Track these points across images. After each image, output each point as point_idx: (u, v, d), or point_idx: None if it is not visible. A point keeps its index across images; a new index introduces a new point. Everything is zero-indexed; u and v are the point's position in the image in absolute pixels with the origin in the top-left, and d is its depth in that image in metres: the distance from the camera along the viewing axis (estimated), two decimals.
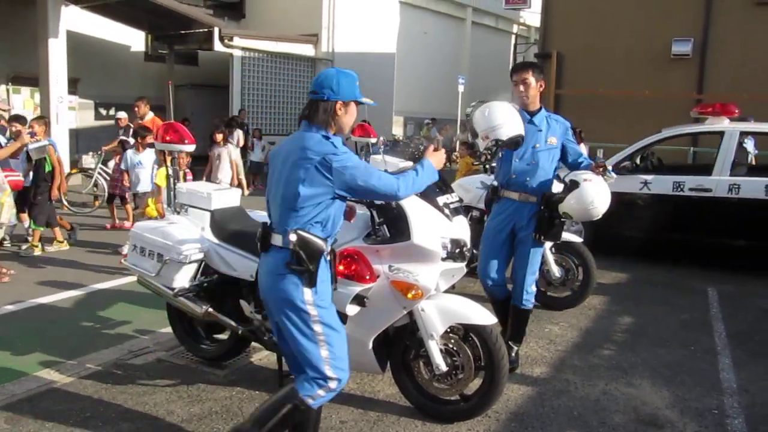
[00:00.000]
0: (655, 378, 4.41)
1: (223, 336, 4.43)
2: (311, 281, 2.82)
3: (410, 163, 4.58)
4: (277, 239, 2.85)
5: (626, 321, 5.69)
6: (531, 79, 4.31)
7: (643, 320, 5.70)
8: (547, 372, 4.45)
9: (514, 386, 4.12)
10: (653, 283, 6.99)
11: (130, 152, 8.39)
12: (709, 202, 7.29)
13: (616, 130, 12.39)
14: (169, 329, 4.67)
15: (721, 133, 7.54)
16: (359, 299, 3.33)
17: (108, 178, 10.71)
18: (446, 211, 3.47)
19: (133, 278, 4.57)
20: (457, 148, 12.86)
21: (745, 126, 7.65)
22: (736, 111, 7.74)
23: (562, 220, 4.30)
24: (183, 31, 17.16)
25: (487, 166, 4.72)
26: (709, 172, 7.39)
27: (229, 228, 4.09)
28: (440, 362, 3.46)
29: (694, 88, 13.25)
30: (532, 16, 25.47)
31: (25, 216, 7.86)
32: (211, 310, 4.00)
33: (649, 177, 7.64)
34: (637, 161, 7.90)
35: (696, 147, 12.12)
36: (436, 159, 3.15)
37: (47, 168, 7.73)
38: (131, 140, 9.52)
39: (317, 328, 2.85)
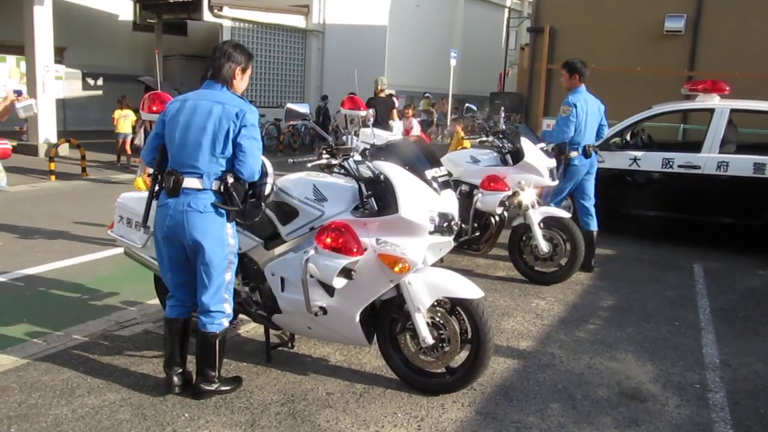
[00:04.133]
0: (640, 353, 4.46)
1: None
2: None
3: (399, 136, 4.56)
4: None
5: (612, 296, 5.73)
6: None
7: (629, 296, 5.75)
8: (532, 346, 4.49)
9: (499, 359, 4.16)
10: (640, 260, 7.04)
11: None
12: (697, 180, 7.32)
13: (607, 105, 12.28)
14: (156, 301, 4.68)
15: (711, 111, 7.54)
16: (346, 272, 3.33)
17: None
18: (434, 184, 3.46)
19: (120, 249, 4.55)
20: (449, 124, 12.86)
21: (735, 104, 7.64)
22: (727, 88, 7.73)
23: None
24: (172, 0, 16.92)
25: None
26: (699, 150, 7.40)
27: None
28: (427, 335, 3.48)
29: (686, 65, 13.18)
30: None
31: None
32: None
33: (638, 153, 7.64)
34: (627, 137, 7.90)
35: (686, 124, 12.11)
36: None
37: None
38: None
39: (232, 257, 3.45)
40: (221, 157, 3.26)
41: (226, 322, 3.49)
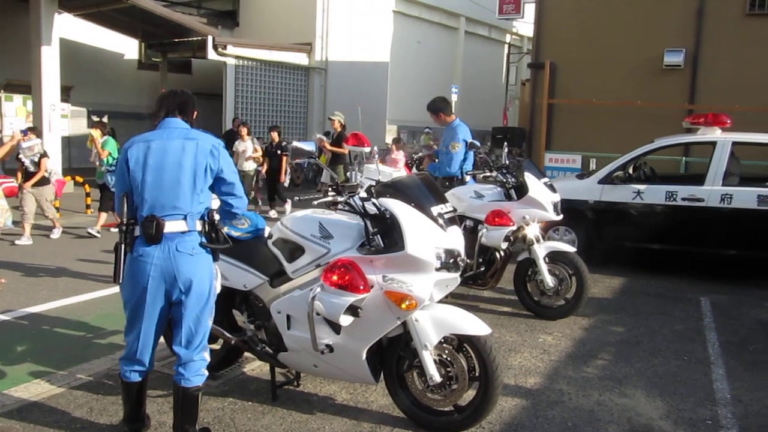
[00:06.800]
0: (649, 388, 4.40)
1: (216, 346, 4.40)
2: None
3: (403, 172, 4.58)
4: None
5: (620, 331, 5.69)
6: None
7: (636, 330, 5.70)
8: (540, 382, 4.44)
9: (507, 397, 4.11)
10: (646, 293, 7.00)
11: None
12: (701, 212, 7.32)
13: (608, 139, 12.43)
14: (161, 339, 4.63)
15: (713, 143, 7.58)
16: (353, 310, 3.32)
17: None
18: (440, 221, 3.46)
19: None
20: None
21: (737, 136, 7.68)
22: (728, 121, 7.78)
23: None
24: (177, 40, 17.17)
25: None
26: (702, 182, 7.42)
27: None
28: (434, 373, 3.44)
29: (686, 99, 13.29)
30: (525, 26, 25.60)
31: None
32: None
33: (641, 186, 7.67)
34: (630, 171, 7.93)
35: (688, 157, 12.16)
36: None
37: None
38: None
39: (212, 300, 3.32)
40: (201, 194, 3.18)
41: (206, 372, 3.37)
